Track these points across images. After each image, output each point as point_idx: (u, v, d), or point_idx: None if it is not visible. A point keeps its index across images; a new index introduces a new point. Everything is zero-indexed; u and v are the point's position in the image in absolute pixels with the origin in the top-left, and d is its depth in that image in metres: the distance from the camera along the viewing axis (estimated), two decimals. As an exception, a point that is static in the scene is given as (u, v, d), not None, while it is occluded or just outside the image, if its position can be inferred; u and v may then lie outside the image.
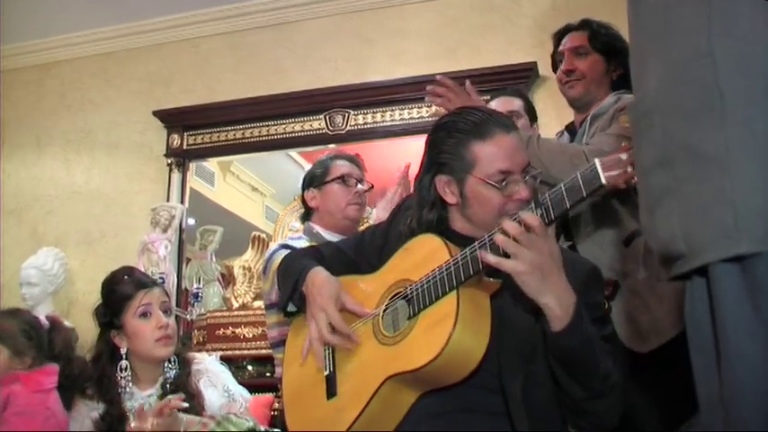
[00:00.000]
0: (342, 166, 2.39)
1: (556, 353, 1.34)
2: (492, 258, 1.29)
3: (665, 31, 0.94)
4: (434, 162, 1.53)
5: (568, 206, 1.32)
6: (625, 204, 1.96)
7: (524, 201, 1.43)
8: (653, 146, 0.96)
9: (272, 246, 2.33)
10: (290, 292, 1.60)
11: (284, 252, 1.87)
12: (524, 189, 1.44)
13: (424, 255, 1.45)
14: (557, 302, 1.29)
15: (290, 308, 1.64)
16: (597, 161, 1.32)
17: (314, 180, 2.39)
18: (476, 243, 1.35)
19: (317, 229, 2.32)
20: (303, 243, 2.17)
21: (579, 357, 1.32)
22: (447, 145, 1.52)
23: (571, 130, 2.27)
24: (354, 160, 2.43)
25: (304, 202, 2.41)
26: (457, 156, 1.49)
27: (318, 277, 1.55)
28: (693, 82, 0.91)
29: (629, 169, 1.31)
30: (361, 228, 2.25)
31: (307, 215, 2.41)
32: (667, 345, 1.86)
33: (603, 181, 1.30)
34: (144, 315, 2.01)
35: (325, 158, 2.46)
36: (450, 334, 1.29)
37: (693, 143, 0.90)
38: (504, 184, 1.44)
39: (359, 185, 2.36)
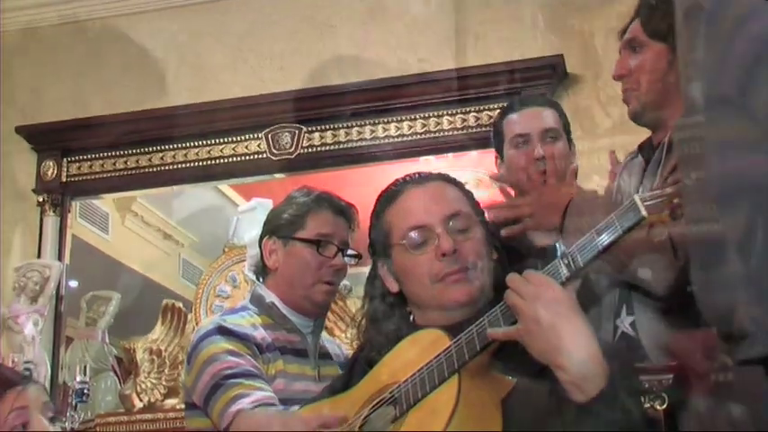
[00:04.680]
0: (323, 221, 2.16)
1: None
2: (499, 332, 1.33)
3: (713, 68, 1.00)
4: (371, 250, 1.65)
5: (600, 248, 1.35)
6: None
7: (446, 253, 1.50)
8: (702, 180, 0.95)
9: (204, 324, 2.17)
10: None
11: (220, 340, 1.91)
12: (445, 241, 1.49)
13: (418, 351, 1.43)
14: (570, 363, 1.24)
15: None
16: (636, 196, 1.36)
17: (279, 229, 2.18)
18: (485, 315, 1.35)
19: (273, 299, 2.12)
20: (248, 320, 2.04)
21: None
22: (372, 224, 1.61)
23: (648, 153, 2.03)
24: (345, 213, 2.20)
25: (261, 252, 2.24)
26: (379, 232, 1.58)
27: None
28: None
29: (678, 200, 1.31)
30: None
31: (262, 272, 2.22)
32: None
33: (644, 212, 1.34)
34: None
35: (303, 198, 2.22)
36: (449, 418, 1.28)
37: (756, 178, 0.90)
38: (421, 243, 1.51)
39: (339, 255, 2.14)
